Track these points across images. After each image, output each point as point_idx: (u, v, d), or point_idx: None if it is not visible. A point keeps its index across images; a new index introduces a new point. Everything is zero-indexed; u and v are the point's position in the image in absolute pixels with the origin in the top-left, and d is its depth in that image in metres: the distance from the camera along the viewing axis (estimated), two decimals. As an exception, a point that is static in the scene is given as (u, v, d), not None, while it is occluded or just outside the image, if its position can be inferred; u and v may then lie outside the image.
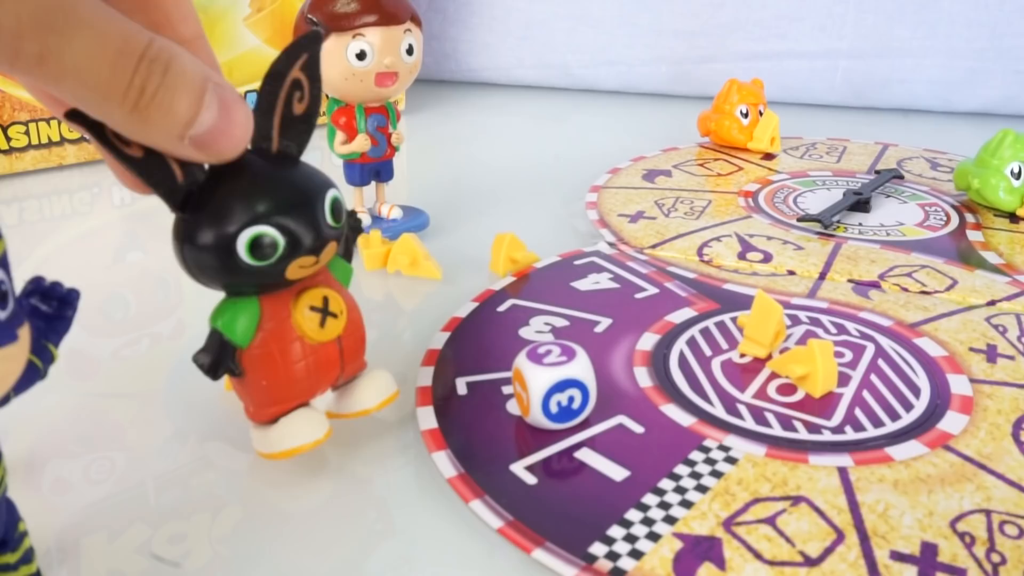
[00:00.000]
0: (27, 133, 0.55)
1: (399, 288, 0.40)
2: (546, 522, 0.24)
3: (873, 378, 0.31)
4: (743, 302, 0.36)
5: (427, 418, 0.28)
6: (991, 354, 0.32)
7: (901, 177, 0.52)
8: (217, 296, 0.24)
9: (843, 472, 0.26)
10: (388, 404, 0.27)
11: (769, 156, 0.57)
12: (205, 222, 0.22)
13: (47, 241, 0.47)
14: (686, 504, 0.24)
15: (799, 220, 0.46)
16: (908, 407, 0.29)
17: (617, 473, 0.26)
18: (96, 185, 0.55)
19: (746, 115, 0.57)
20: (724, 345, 0.33)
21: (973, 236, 0.44)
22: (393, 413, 0.29)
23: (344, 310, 0.25)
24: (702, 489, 0.25)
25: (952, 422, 0.28)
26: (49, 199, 0.53)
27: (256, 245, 0.22)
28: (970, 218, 0.46)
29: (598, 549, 0.23)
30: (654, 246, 0.43)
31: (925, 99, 0.71)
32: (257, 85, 0.24)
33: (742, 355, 0.32)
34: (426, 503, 0.25)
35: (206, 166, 0.22)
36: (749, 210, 0.48)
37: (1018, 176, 0.45)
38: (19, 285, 0.19)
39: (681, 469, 0.26)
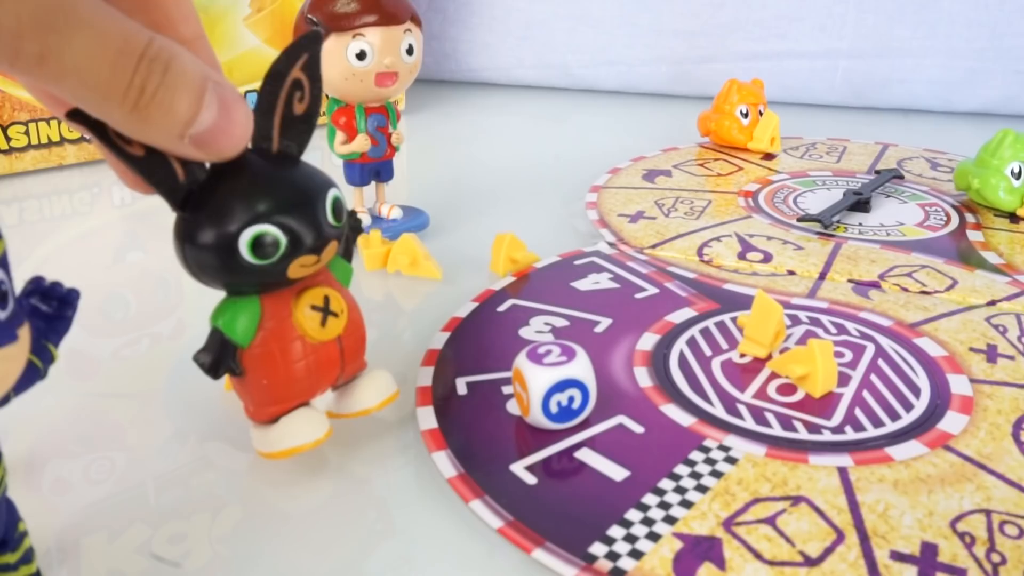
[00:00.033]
0: (27, 133, 0.55)
1: (399, 288, 0.40)
2: (546, 522, 0.24)
3: (873, 378, 0.31)
4: (743, 302, 0.36)
5: (427, 418, 0.28)
6: (991, 354, 0.32)
7: (901, 177, 0.52)
8: (217, 296, 0.24)
9: (843, 472, 0.26)
10: (388, 404, 0.27)
11: (769, 156, 0.57)
12: (206, 221, 0.22)
13: (47, 241, 0.47)
14: (686, 504, 0.24)
15: (799, 220, 0.46)
16: (908, 407, 0.29)
17: (617, 473, 0.26)
18: (96, 185, 0.55)
19: (746, 115, 0.57)
20: (724, 345, 0.33)
21: (973, 236, 0.44)
22: (393, 413, 0.29)
23: (345, 309, 0.25)
24: (702, 489, 0.25)
25: (952, 422, 0.28)
26: (49, 199, 0.53)
27: (258, 244, 0.22)
28: (970, 218, 0.46)
29: (598, 549, 0.23)
30: (654, 246, 0.43)
31: (925, 99, 0.71)
32: (257, 85, 0.24)
33: (742, 355, 0.32)
34: (426, 503, 0.25)
35: (207, 165, 0.22)
36: (749, 210, 0.48)
37: (1018, 176, 0.45)
38: (19, 285, 0.19)
39: (681, 469, 0.26)
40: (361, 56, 0.39)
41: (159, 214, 0.23)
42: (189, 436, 0.29)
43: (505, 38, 0.80)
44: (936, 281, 0.39)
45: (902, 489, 0.25)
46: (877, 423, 0.28)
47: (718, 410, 0.29)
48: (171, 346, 0.35)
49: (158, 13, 0.22)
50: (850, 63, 0.71)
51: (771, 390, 0.30)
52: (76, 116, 0.20)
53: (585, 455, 0.27)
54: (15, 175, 0.56)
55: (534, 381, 0.27)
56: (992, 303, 0.37)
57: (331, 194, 0.24)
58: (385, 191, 0.45)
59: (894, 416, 0.29)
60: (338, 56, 0.39)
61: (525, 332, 0.34)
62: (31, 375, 0.20)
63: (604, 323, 0.35)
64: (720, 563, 0.22)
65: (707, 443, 0.27)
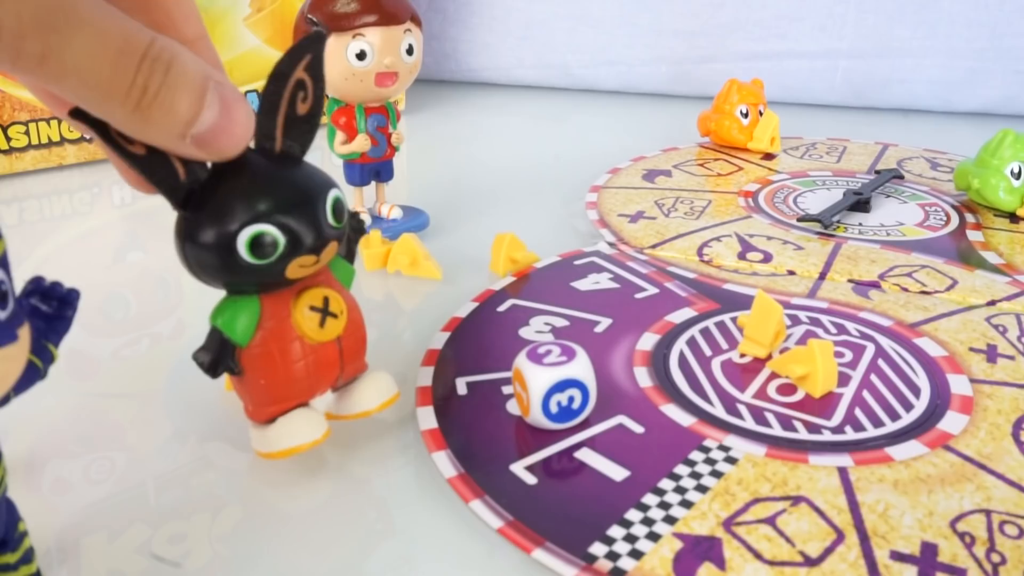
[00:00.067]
0: (27, 133, 0.55)
1: (399, 288, 0.40)
2: (546, 522, 0.24)
3: (873, 378, 0.31)
4: (743, 302, 0.36)
5: (427, 418, 0.28)
6: (991, 354, 0.32)
7: (901, 177, 0.52)
8: (217, 296, 0.24)
9: (843, 472, 0.26)
10: (388, 406, 0.27)
11: (769, 156, 0.57)
12: (206, 220, 0.22)
13: (47, 241, 0.47)
14: (686, 504, 0.24)
15: (799, 220, 0.46)
16: (908, 407, 0.29)
17: (617, 473, 0.26)
18: (96, 185, 0.55)
19: (746, 115, 0.57)
20: (724, 345, 0.33)
21: (973, 236, 0.44)
22: (393, 413, 0.29)
23: (344, 310, 0.25)
24: (702, 489, 0.25)
25: (952, 422, 0.28)
26: (49, 199, 0.53)
27: (256, 243, 0.22)
28: (970, 218, 0.47)
29: (598, 549, 0.23)
30: (654, 246, 0.43)
31: (925, 99, 0.71)
32: (257, 85, 0.24)
33: (742, 355, 0.32)
34: (426, 503, 0.25)
35: (209, 164, 0.22)
36: (749, 210, 0.48)
37: (1018, 176, 0.45)
38: (19, 285, 0.19)
39: (681, 469, 0.26)
40: (361, 56, 0.39)
41: (159, 214, 0.23)
42: (189, 436, 0.29)
43: (505, 38, 0.80)
44: (936, 281, 0.39)
45: (902, 489, 0.25)
46: (877, 423, 0.28)
47: (718, 410, 0.29)
48: (171, 346, 0.35)
49: (160, 13, 0.22)
50: (850, 63, 0.71)
51: (771, 390, 0.30)
52: (78, 115, 0.20)
53: (585, 455, 0.27)
54: (15, 175, 0.56)
55: (534, 381, 0.27)
56: (992, 303, 0.37)
57: (332, 195, 0.24)
58: (385, 191, 0.45)
59: (894, 416, 0.29)
60: (338, 56, 0.39)
61: (525, 332, 0.34)
62: (31, 375, 0.20)
63: (604, 323, 0.35)
64: (720, 563, 0.22)
65: (707, 443, 0.27)
